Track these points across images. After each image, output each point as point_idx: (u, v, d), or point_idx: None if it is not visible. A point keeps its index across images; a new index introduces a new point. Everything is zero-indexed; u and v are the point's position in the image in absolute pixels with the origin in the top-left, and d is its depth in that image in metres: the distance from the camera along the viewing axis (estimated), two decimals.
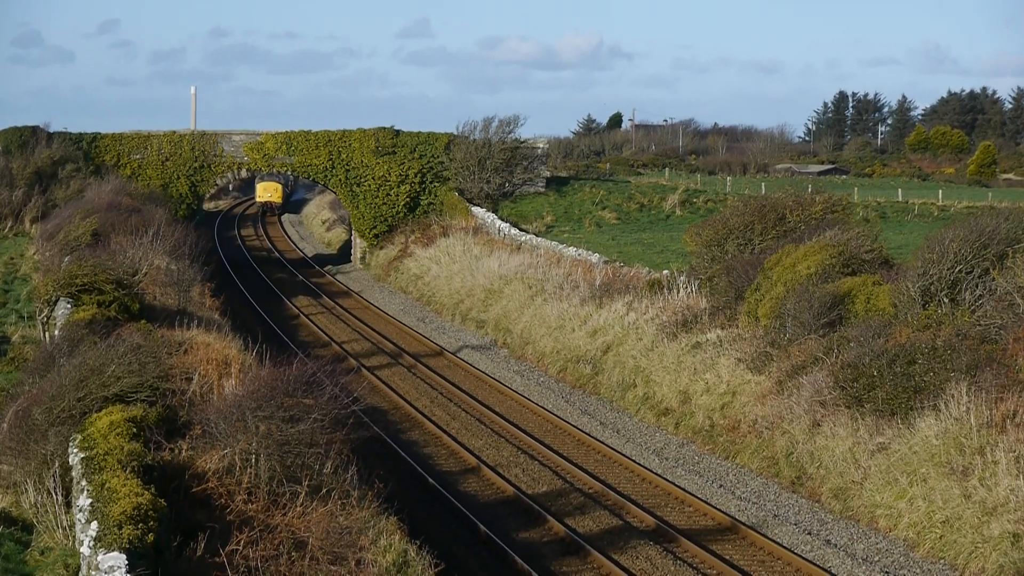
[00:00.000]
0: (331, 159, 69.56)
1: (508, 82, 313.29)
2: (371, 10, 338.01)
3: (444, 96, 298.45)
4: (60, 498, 21.08)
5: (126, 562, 15.75)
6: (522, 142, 72.57)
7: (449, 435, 34.41)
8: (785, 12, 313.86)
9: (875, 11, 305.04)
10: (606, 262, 49.08)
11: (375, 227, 69.54)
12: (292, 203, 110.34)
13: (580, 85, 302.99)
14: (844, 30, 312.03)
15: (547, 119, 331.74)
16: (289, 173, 74.46)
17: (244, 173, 72.16)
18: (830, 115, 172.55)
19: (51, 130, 68.96)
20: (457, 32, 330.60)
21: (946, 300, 30.67)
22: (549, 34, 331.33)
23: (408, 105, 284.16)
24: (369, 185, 69.67)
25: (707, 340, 36.36)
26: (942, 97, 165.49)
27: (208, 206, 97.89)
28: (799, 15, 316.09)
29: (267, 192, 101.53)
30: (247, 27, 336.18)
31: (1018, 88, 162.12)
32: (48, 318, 34.39)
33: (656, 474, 30.79)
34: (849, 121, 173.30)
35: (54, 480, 21.30)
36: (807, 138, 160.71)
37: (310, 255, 78.12)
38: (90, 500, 18.11)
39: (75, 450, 20.63)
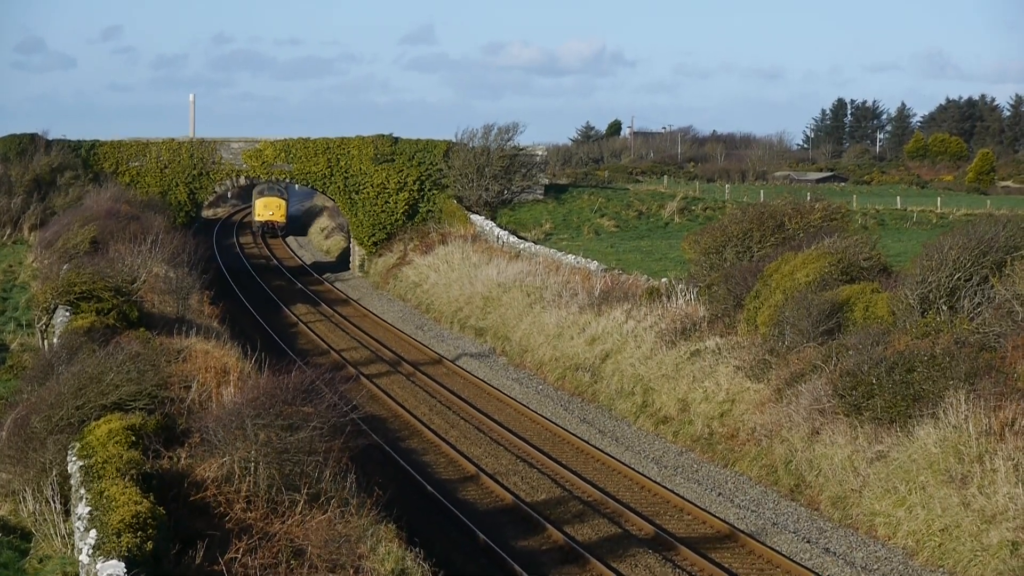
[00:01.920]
0: (330, 166, 69.58)
1: (509, 88, 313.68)
2: (376, 17, 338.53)
3: (445, 102, 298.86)
4: (59, 506, 21.06)
5: (125, 570, 15.74)
6: (521, 149, 72.61)
7: (448, 443, 34.39)
8: (788, 18, 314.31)
9: (877, 17, 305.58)
10: (605, 270, 49.07)
11: (374, 235, 69.55)
12: (292, 218, 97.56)
13: (581, 91, 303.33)
14: (847, 36, 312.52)
15: (547, 126, 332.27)
16: (287, 181, 74.05)
17: (243, 180, 72.15)
18: (828, 122, 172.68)
19: (49, 137, 69.00)
20: (460, 38, 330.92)
21: (945, 308, 30.67)
22: (552, 40, 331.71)
23: (408, 111, 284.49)
24: (368, 192, 69.69)
25: (706, 348, 36.36)
26: (940, 104, 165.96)
27: (207, 213, 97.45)
28: (802, 21, 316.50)
29: (267, 209, 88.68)
30: (251, 33, 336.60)
31: (1016, 95, 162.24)
32: (47, 326, 34.38)
33: (655, 482, 30.78)
34: (848, 128, 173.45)
35: (53, 488, 21.28)
36: (805, 145, 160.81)
37: (308, 263, 78.10)
38: (89, 508, 18.09)
39: (74, 458, 20.62)
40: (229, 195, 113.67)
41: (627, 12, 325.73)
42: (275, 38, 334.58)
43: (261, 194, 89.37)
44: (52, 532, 20.85)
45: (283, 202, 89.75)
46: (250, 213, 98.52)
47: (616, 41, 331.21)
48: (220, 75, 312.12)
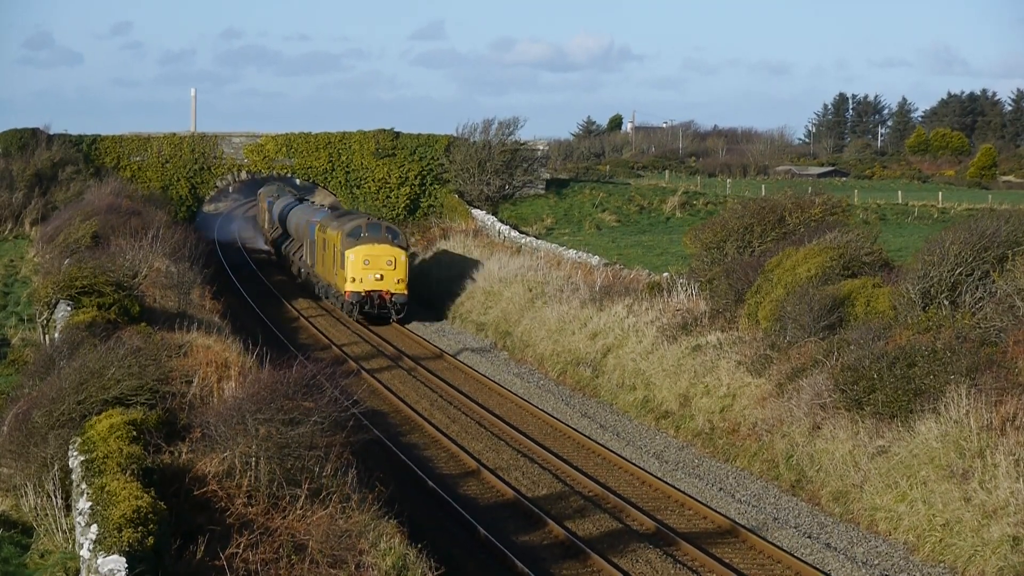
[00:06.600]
0: (331, 161, 69.57)
1: (515, 84, 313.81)
2: (387, 12, 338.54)
3: (449, 98, 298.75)
4: (60, 501, 21.07)
5: (126, 565, 15.74)
6: (522, 144, 72.65)
7: (449, 438, 34.39)
8: (796, 13, 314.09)
9: (885, 12, 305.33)
10: (606, 264, 49.07)
11: None
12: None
13: (587, 87, 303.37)
14: (854, 31, 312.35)
15: (550, 121, 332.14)
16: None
17: (244, 175, 72.17)
18: (830, 117, 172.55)
19: (51, 132, 69.06)
20: (470, 34, 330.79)
21: (946, 303, 30.66)
22: (561, 36, 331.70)
23: (412, 107, 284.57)
24: (369, 187, 69.68)
25: (707, 343, 36.35)
26: (942, 99, 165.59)
27: (208, 209, 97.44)
28: (810, 16, 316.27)
29: (371, 271, 51.07)
30: (260, 29, 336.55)
31: (1018, 90, 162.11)
32: (48, 320, 34.38)
33: (656, 477, 30.77)
34: (849, 123, 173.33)
35: (54, 483, 21.29)
36: (807, 140, 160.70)
37: None
38: (90, 503, 18.09)
39: (75, 453, 20.62)
40: (231, 190, 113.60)
41: (637, 7, 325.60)
42: (284, 34, 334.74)
43: (356, 238, 51.48)
44: (53, 527, 20.86)
45: (401, 253, 51.76)
46: (252, 206, 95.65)
47: (625, 36, 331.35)
48: (227, 71, 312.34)
